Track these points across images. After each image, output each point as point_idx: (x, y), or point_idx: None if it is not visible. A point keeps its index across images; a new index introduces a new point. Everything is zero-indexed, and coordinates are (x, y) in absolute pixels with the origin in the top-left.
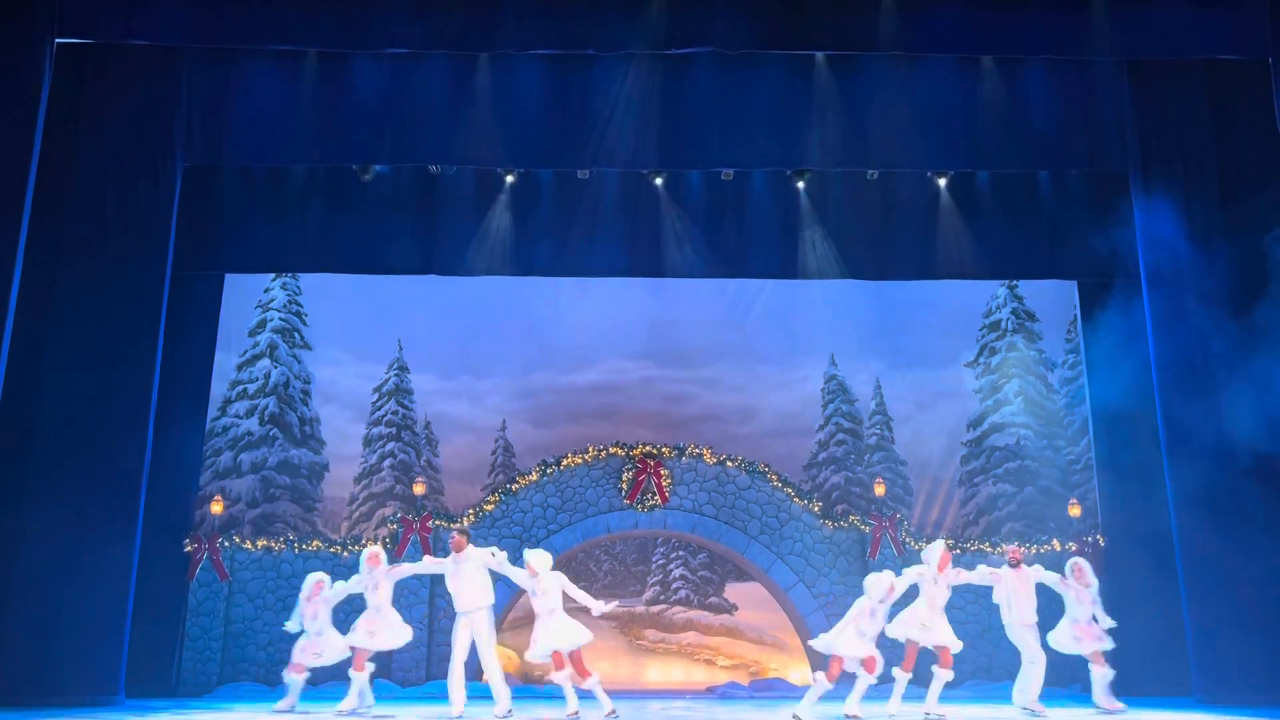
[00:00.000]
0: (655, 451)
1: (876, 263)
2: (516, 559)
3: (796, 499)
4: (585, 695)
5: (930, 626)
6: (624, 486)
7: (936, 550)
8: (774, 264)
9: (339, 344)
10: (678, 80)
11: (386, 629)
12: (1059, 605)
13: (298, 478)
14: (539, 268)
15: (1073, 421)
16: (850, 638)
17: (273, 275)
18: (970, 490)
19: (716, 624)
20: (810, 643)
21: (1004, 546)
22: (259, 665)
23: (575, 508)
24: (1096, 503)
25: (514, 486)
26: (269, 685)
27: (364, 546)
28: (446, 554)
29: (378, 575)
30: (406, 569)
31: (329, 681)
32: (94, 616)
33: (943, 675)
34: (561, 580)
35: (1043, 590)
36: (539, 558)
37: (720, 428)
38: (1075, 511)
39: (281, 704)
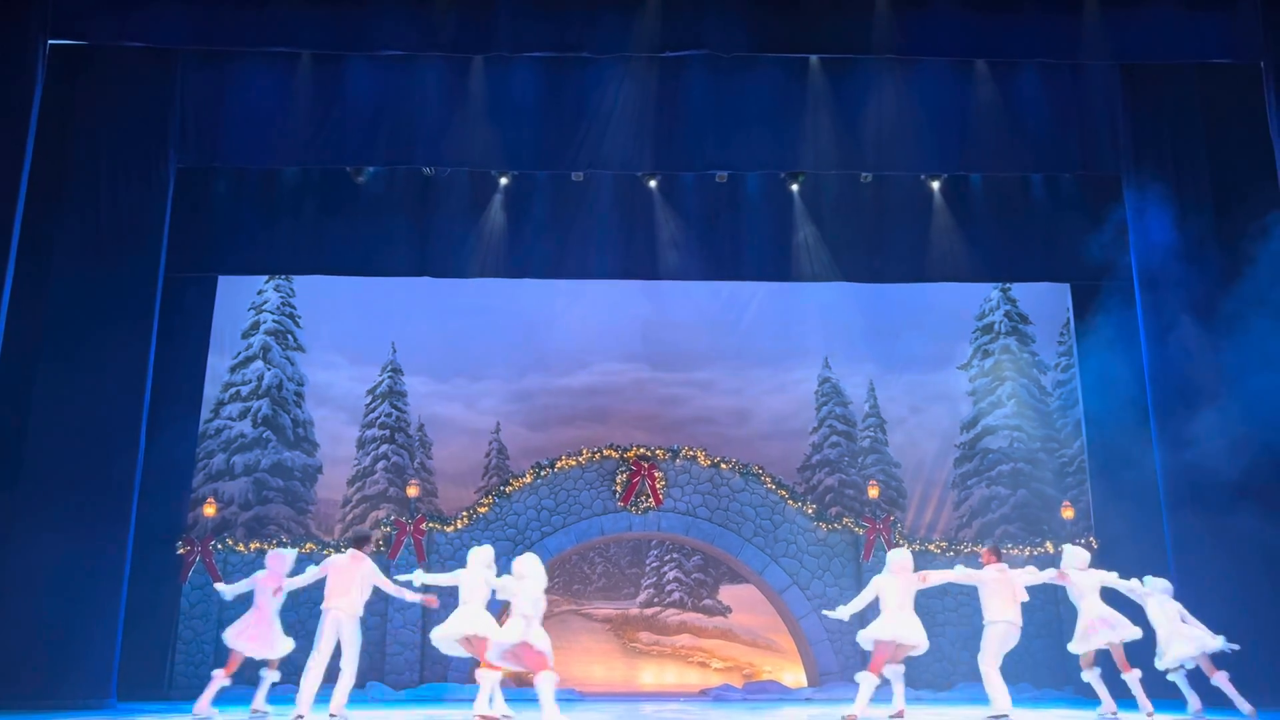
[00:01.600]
0: (649, 454)
1: (870, 265)
2: (510, 561)
3: (790, 501)
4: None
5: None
6: (618, 489)
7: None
8: (768, 266)
9: (332, 346)
10: (672, 83)
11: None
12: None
13: (291, 480)
14: (533, 270)
15: (1066, 424)
16: None
17: (266, 277)
18: (964, 493)
19: (710, 626)
20: None
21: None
22: (252, 667)
23: (569, 510)
24: (1090, 505)
25: (508, 489)
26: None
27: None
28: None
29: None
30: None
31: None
32: (86, 619)
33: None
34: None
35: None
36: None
37: (714, 430)
38: (1068, 514)
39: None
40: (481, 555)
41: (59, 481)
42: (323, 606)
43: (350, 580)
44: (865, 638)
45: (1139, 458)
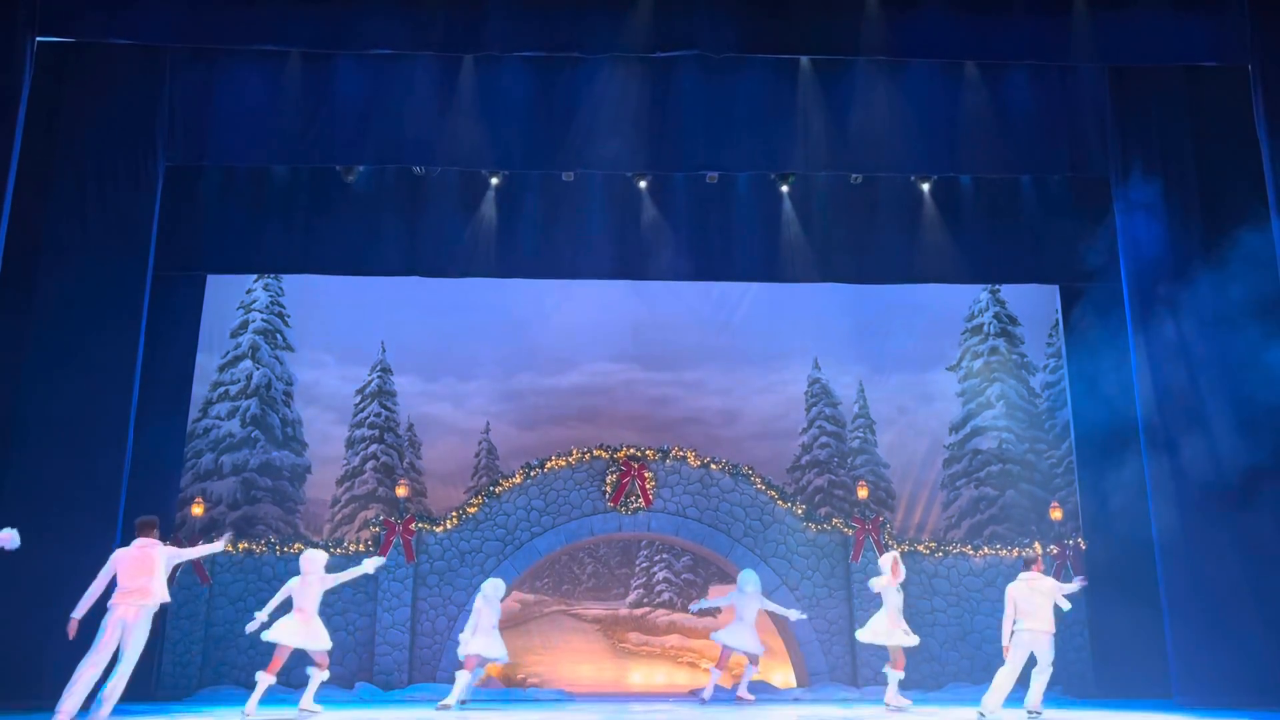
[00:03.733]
0: (639, 454)
1: (860, 266)
2: (501, 560)
3: (780, 502)
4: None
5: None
6: (608, 489)
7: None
8: (758, 267)
9: (321, 345)
10: (663, 83)
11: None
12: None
13: (279, 480)
14: (523, 269)
15: (1054, 425)
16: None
17: (255, 276)
18: (953, 493)
19: (700, 627)
20: None
21: (985, 550)
22: (240, 669)
23: (559, 510)
24: (1078, 506)
25: (497, 489)
26: (250, 688)
27: (349, 549)
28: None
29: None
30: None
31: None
32: None
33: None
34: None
35: None
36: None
37: (704, 430)
38: (1057, 515)
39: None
40: (319, 559)
41: (46, 481)
42: (110, 603)
43: (140, 571)
44: None
45: (1127, 459)
